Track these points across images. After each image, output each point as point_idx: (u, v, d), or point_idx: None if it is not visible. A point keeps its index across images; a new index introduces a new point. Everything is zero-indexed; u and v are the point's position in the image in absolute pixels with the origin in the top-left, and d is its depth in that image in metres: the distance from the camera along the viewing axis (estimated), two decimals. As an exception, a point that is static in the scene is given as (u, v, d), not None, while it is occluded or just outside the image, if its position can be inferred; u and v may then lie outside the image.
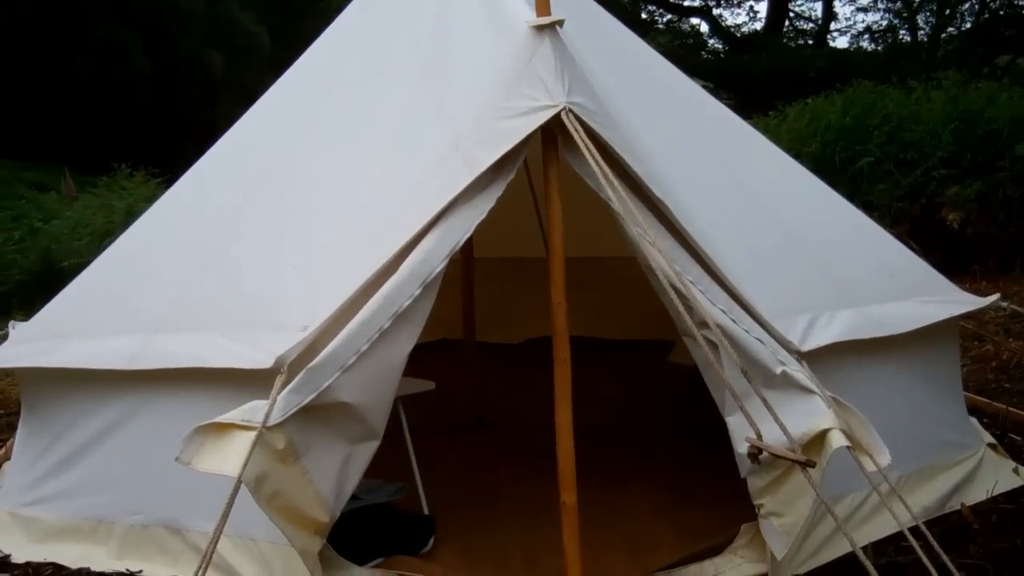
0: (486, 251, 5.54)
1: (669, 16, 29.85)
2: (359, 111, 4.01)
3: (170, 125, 26.75)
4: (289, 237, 3.62)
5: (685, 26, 30.02)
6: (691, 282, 3.17)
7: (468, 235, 3.14)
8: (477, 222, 3.16)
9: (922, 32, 25.96)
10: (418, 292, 3.03)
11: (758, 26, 28.50)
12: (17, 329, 4.32)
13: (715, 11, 29.11)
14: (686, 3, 29.19)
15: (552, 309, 3.15)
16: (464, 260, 5.41)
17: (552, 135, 3.19)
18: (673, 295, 2.97)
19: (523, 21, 3.31)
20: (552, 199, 3.19)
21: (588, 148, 3.05)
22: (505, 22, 3.58)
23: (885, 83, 12.84)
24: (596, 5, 4.86)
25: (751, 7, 29.12)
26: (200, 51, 29.79)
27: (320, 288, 3.22)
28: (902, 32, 27.00)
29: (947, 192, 10.18)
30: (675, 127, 4.22)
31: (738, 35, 28.67)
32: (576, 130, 3.07)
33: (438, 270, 3.07)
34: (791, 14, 28.29)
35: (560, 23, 3.23)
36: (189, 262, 3.83)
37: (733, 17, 29.16)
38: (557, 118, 3.11)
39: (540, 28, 3.22)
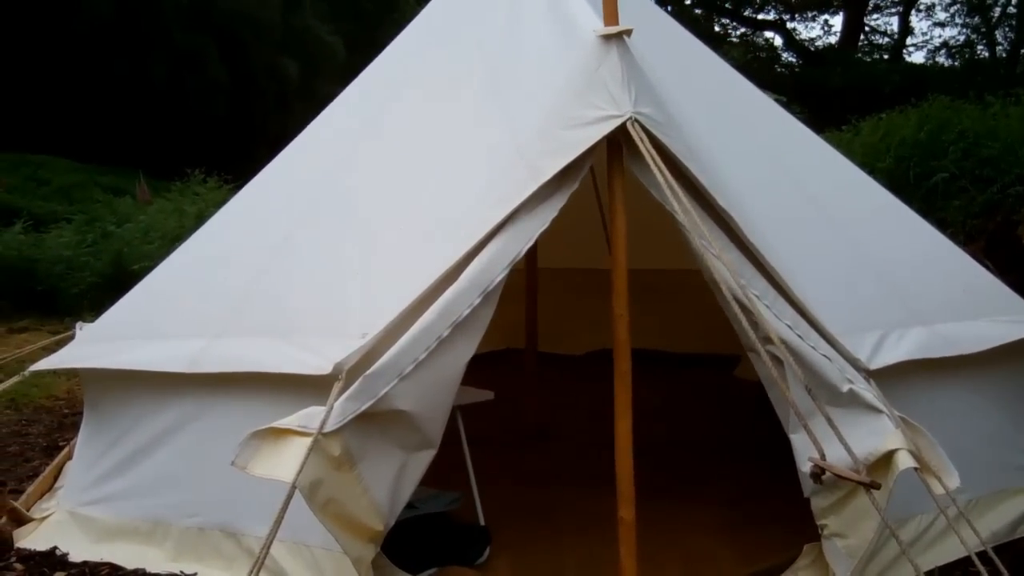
0: (551, 261, 5.51)
1: (743, 29, 29.64)
2: (425, 119, 4.01)
3: (244, 132, 27.16)
4: (351, 244, 3.62)
5: (759, 39, 29.78)
6: (756, 296, 3.10)
7: (529, 245, 3.11)
8: (539, 232, 3.12)
9: (1000, 48, 25.46)
10: (478, 301, 3.00)
11: (833, 40, 28.18)
12: (84, 330, 4.39)
13: (789, 24, 28.88)
14: (760, 17, 28.96)
15: (613, 320, 3.10)
16: (528, 269, 5.38)
17: (617, 145, 3.15)
18: (737, 309, 2.92)
19: (591, 31, 3.27)
20: (616, 210, 3.15)
21: (653, 158, 3.00)
22: (573, 31, 3.56)
23: (962, 99, 12.56)
24: (666, 16, 4.82)
25: (826, 21, 28.70)
26: (274, 59, 30.22)
27: (380, 295, 3.22)
28: (980, 47, 26.50)
29: (1023, 211, 9.91)
30: (745, 139, 4.15)
31: (812, 49, 28.34)
32: (641, 140, 3.03)
33: (499, 279, 3.04)
34: (866, 28, 27.94)
35: (628, 33, 3.19)
36: (252, 267, 3.85)
37: (807, 31, 28.88)
38: (623, 128, 3.07)
39: (608, 38, 3.19)
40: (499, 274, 3.04)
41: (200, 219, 10.31)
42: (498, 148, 3.44)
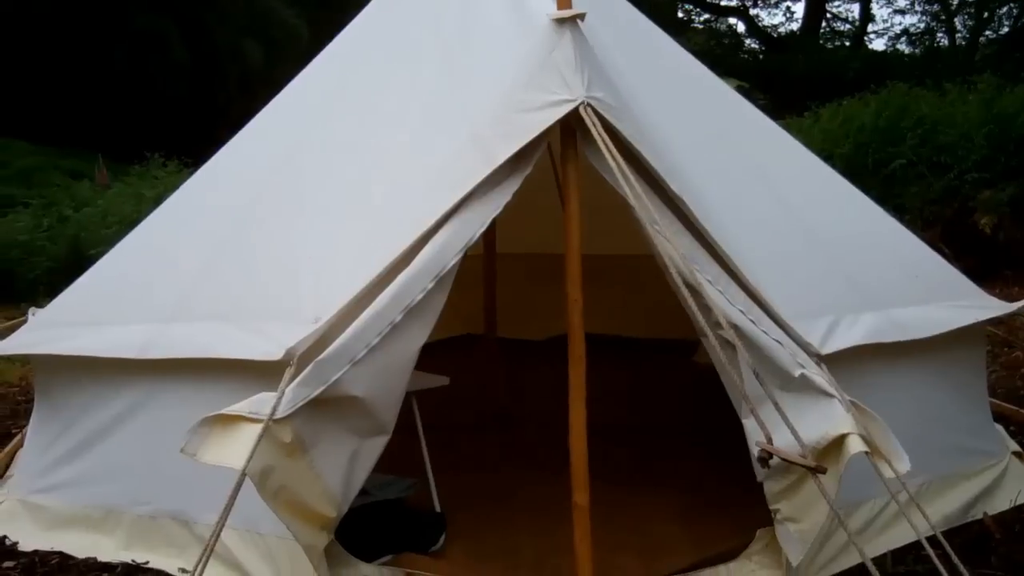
0: (512, 246, 5.50)
1: (706, 15, 29.71)
2: (380, 103, 3.97)
3: (205, 115, 26.86)
4: (304, 228, 3.59)
5: (722, 26, 29.86)
6: (708, 280, 3.10)
7: (483, 229, 3.10)
8: (492, 216, 3.11)
9: (960, 35, 25.69)
10: (431, 286, 2.98)
11: (795, 27, 28.29)
12: (36, 315, 4.33)
13: (752, 11, 28.99)
14: (723, 3, 29.08)
15: (568, 305, 3.10)
16: (486, 254, 5.37)
17: (571, 129, 3.14)
18: (687, 293, 2.92)
19: (544, 14, 3.25)
20: (570, 195, 3.14)
21: (605, 143, 3.00)
22: (527, 15, 3.52)
23: (920, 86, 12.68)
24: (622, 1, 4.79)
25: (788, 8, 28.92)
26: (238, 42, 29.93)
27: (333, 280, 3.19)
28: (940, 35, 26.73)
29: (980, 196, 10.03)
30: (699, 125, 4.14)
31: (775, 35, 28.47)
32: (594, 124, 3.02)
33: (451, 264, 3.02)
34: (828, 15, 28.09)
35: (581, 17, 3.17)
36: (204, 251, 3.81)
37: (770, 17, 29.00)
38: (575, 112, 3.05)
39: (561, 21, 3.17)
40: (452, 259, 3.02)
41: (158, 203, 10.19)
42: (451, 132, 3.42)
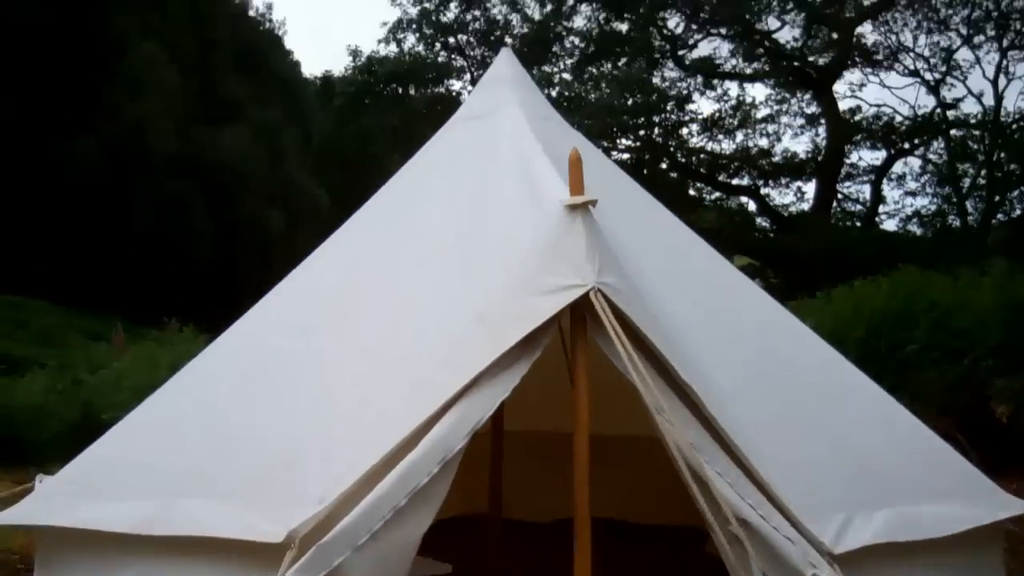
0: (518, 424, 5.45)
1: (717, 194, 30.27)
2: (392, 280, 4.03)
3: (225, 281, 27.36)
4: (313, 405, 3.58)
5: (733, 204, 30.37)
6: (718, 473, 3.06)
7: (491, 412, 3.08)
8: (501, 399, 3.10)
9: (971, 217, 25.98)
10: (436, 470, 2.95)
11: (806, 206, 28.72)
12: (43, 483, 4.28)
13: (763, 190, 29.43)
14: (734, 182, 29.58)
15: (575, 491, 3.06)
16: (494, 432, 5.32)
17: (581, 314, 3.17)
18: (695, 485, 2.88)
19: (556, 199, 3.33)
20: (579, 379, 3.15)
21: (615, 330, 3.02)
22: (540, 198, 3.62)
23: (932, 268, 12.74)
24: (632, 182, 4.91)
25: (799, 188, 29.23)
26: (259, 210, 30.68)
27: (339, 460, 3.16)
28: (951, 217, 27.04)
29: (996, 384, 9.90)
30: (709, 309, 4.17)
31: (786, 215, 28.85)
32: (604, 310, 3.05)
33: (458, 448, 2.99)
34: (839, 196, 28.51)
35: (593, 203, 3.25)
36: (213, 425, 3.80)
37: (781, 197, 29.39)
38: (586, 298, 3.09)
39: (573, 207, 3.25)
40: (459, 442, 3.00)
41: (173, 369, 10.20)
42: (461, 312, 3.45)
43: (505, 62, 5.36)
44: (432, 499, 2.98)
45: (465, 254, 3.89)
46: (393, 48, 28.59)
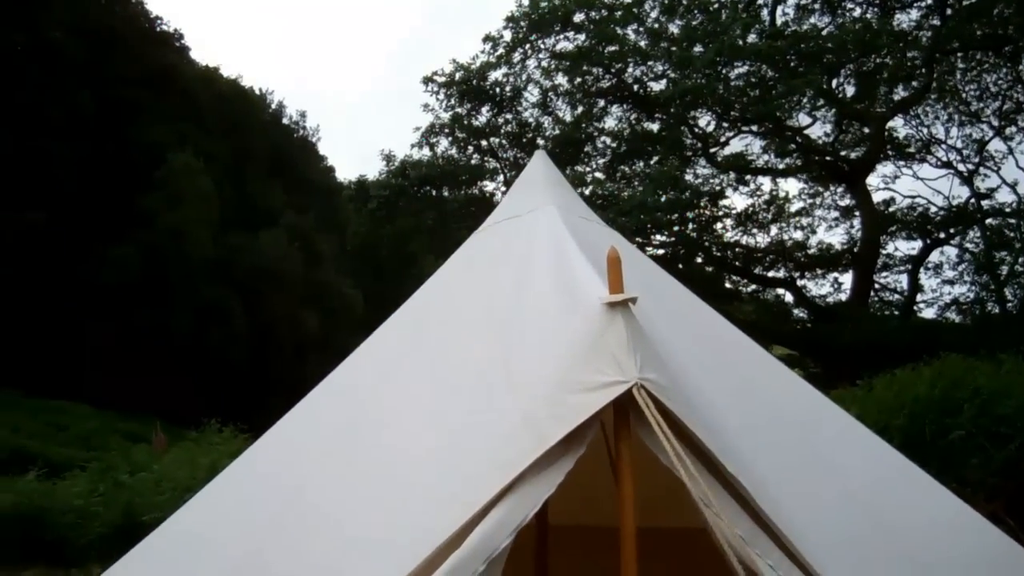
0: (563, 518, 5.39)
1: (753, 287, 30.24)
2: (431, 380, 4.05)
3: (261, 381, 27.53)
4: (354, 507, 3.57)
5: (769, 296, 30.31)
6: (771, 566, 3.02)
7: (535, 511, 3.06)
8: (545, 497, 3.08)
9: (1011, 304, 25.77)
10: (482, 569, 2.92)
11: (843, 296, 28.59)
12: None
13: (799, 282, 29.38)
14: (770, 274, 29.55)
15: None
16: (539, 527, 5.28)
17: (624, 410, 3.16)
18: (747, 580, 2.84)
19: (596, 297, 3.36)
20: (624, 476, 3.14)
21: (660, 425, 3.01)
22: (578, 298, 3.64)
23: (973, 355, 12.63)
24: (668, 276, 4.93)
25: (836, 279, 29.20)
26: (295, 311, 31.02)
27: (383, 564, 3.14)
28: (990, 304, 26.85)
29: (1043, 467, 9.75)
30: (752, 401, 4.16)
31: (823, 305, 28.73)
32: (647, 406, 3.05)
33: (503, 546, 2.96)
34: (876, 285, 28.40)
35: (633, 301, 3.27)
36: (251, 532, 3.78)
37: (817, 288, 29.37)
38: (629, 394, 3.09)
39: (613, 305, 3.27)
40: (504, 541, 2.97)
41: (213, 471, 10.29)
42: (503, 412, 3.45)
43: (539, 163, 5.46)
44: (478, 602, 2.95)
45: (505, 354, 3.89)
46: (426, 152, 29.09)
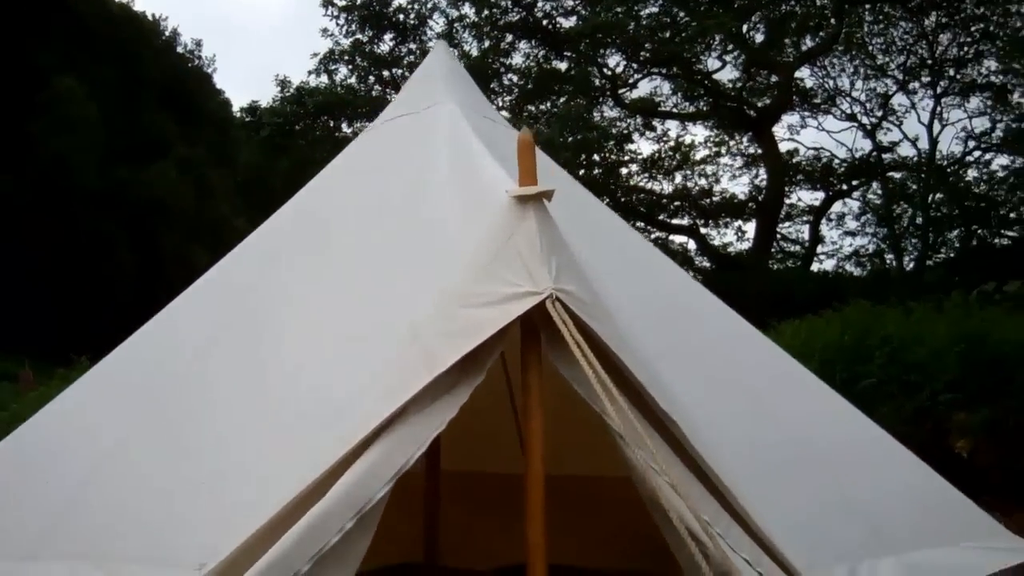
0: (455, 463, 4.84)
1: (657, 233, 30.13)
2: (306, 294, 3.39)
3: (146, 319, 26.53)
4: (200, 447, 2.92)
5: (673, 244, 30.28)
6: (707, 521, 2.45)
7: (421, 452, 2.42)
8: (432, 436, 2.44)
9: (908, 258, 26.31)
10: (351, 525, 2.28)
11: (746, 246, 28.74)
12: None
13: (703, 230, 29.45)
14: (674, 221, 29.53)
15: (527, 548, 2.44)
16: (428, 472, 4.68)
17: (534, 329, 2.55)
18: (689, 540, 2.26)
19: (503, 191, 2.71)
20: (532, 411, 2.55)
21: (580, 347, 2.40)
22: (483, 195, 3.01)
23: (882, 303, 12.52)
24: (583, 188, 4.34)
25: (739, 227, 29.36)
26: (185, 247, 30.01)
27: (230, 512, 2.51)
28: (888, 257, 27.37)
29: (954, 418, 9.61)
30: (679, 330, 3.61)
31: (726, 254, 28.91)
32: (564, 323, 2.43)
33: (379, 497, 2.32)
34: (778, 235, 28.59)
35: (548, 195, 2.63)
36: (77, 473, 3.11)
37: (721, 237, 29.55)
38: (541, 308, 2.46)
39: (523, 199, 2.62)
40: (380, 490, 2.33)
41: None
42: (388, 328, 2.81)
43: (440, 55, 4.82)
44: (346, 562, 2.30)
45: (396, 262, 3.26)
46: (324, 80, 27.93)
